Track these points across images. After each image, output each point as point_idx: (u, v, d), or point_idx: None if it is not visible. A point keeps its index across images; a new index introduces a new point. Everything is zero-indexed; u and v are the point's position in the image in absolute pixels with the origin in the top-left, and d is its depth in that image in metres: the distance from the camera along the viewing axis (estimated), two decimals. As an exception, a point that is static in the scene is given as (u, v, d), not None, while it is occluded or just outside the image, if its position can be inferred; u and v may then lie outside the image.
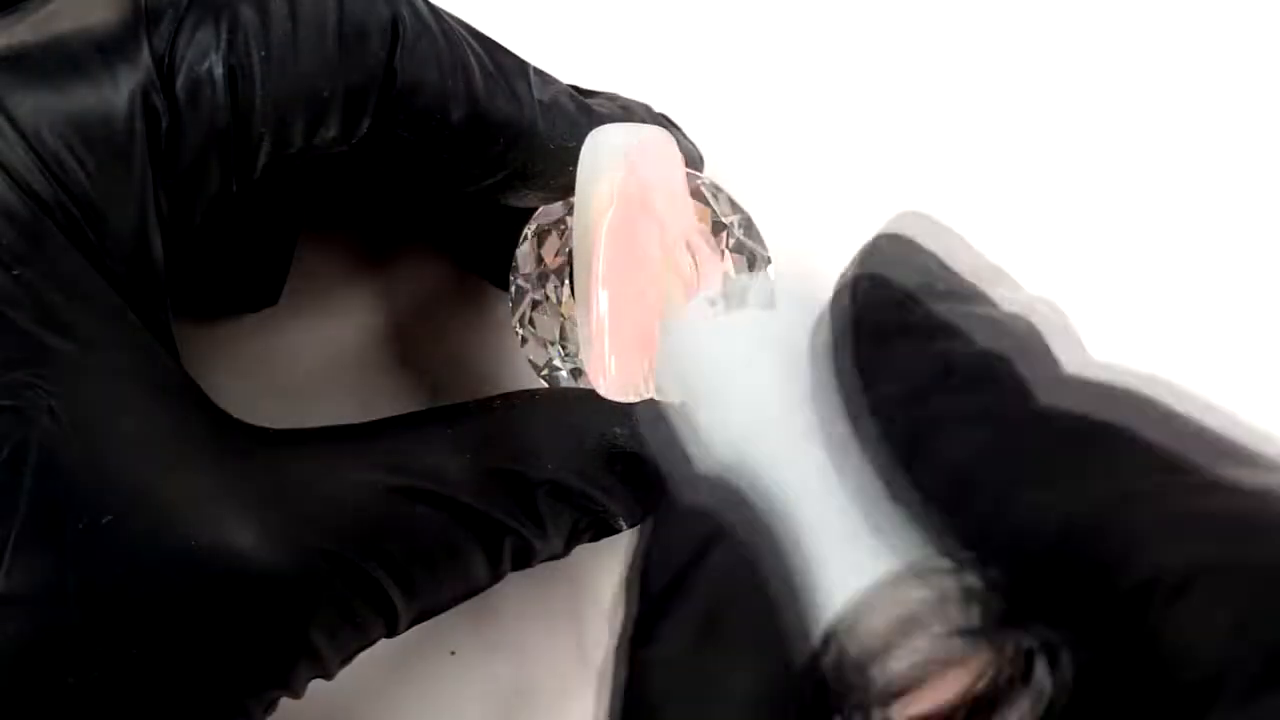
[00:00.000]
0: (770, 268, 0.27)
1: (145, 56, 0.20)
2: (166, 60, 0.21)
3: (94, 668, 0.20)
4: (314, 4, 0.22)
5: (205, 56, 0.21)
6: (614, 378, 0.24)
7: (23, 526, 0.19)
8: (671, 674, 0.13)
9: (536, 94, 0.25)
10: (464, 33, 0.24)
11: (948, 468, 0.14)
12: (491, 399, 0.25)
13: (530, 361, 0.27)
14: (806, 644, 0.14)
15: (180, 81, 0.21)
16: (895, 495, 0.14)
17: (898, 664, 0.13)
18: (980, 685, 0.14)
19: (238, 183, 0.22)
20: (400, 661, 0.26)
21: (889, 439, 0.14)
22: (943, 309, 0.15)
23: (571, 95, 0.26)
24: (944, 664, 0.14)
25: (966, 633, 0.14)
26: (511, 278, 0.27)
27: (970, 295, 0.15)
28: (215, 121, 0.21)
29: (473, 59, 0.24)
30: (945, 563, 0.14)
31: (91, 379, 0.20)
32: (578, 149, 0.25)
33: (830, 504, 0.14)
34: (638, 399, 0.25)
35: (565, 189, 0.26)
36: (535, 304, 0.27)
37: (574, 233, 0.25)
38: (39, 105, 0.20)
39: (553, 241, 0.27)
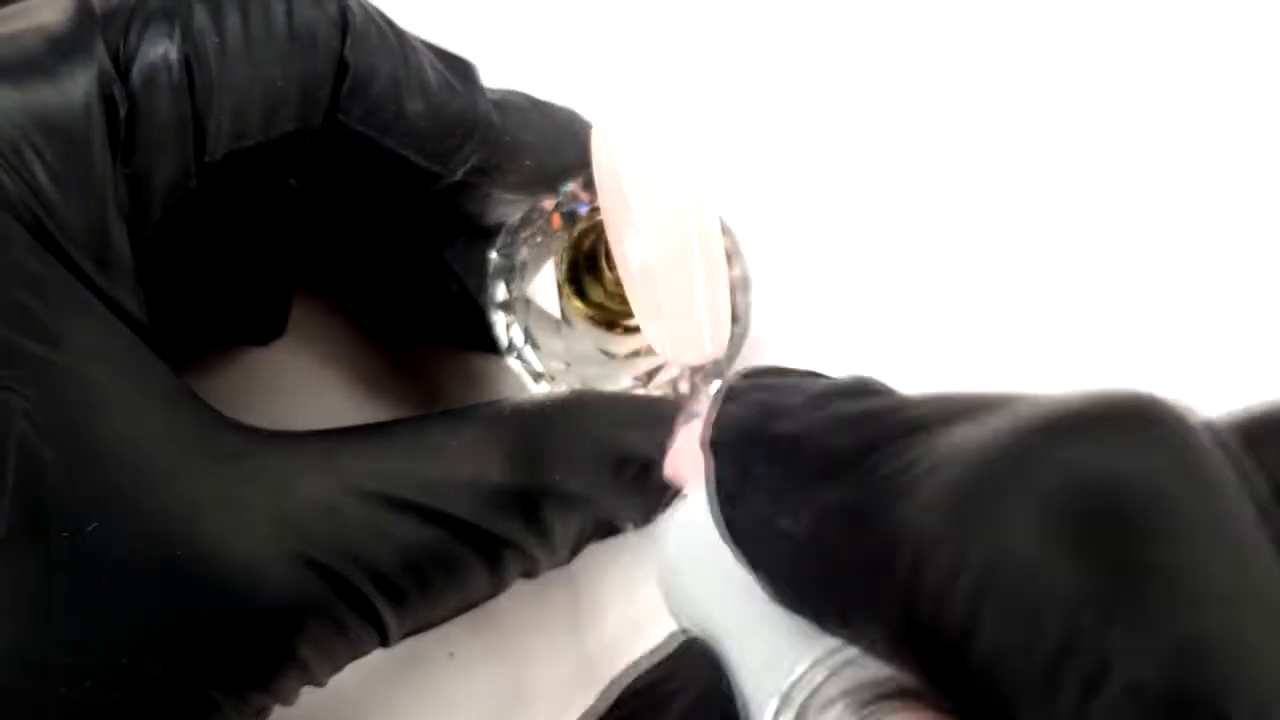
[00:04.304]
0: (750, 293, 0.27)
1: (100, 48, 0.21)
2: (122, 51, 0.21)
3: (85, 677, 0.19)
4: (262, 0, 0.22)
5: (160, 45, 0.21)
6: (675, 334, 0.23)
7: (6, 534, 0.19)
8: None
9: (487, 92, 0.26)
10: (410, 36, 0.25)
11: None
12: (500, 405, 0.24)
13: (529, 381, 0.26)
14: None
15: (136, 69, 0.21)
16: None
17: None
18: None
19: (196, 174, 0.22)
20: (400, 663, 0.26)
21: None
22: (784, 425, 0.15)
23: (520, 94, 0.27)
24: None
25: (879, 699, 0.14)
26: (488, 313, 0.27)
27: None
28: (173, 107, 0.21)
29: (422, 57, 0.25)
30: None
31: (68, 380, 0.20)
32: (533, 143, 0.26)
33: (761, 638, 0.16)
34: (701, 359, 0.24)
35: (525, 185, 0.27)
36: (525, 329, 0.26)
37: (601, 206, 0.25)
38: None
39: (528, 254, 0.27)
